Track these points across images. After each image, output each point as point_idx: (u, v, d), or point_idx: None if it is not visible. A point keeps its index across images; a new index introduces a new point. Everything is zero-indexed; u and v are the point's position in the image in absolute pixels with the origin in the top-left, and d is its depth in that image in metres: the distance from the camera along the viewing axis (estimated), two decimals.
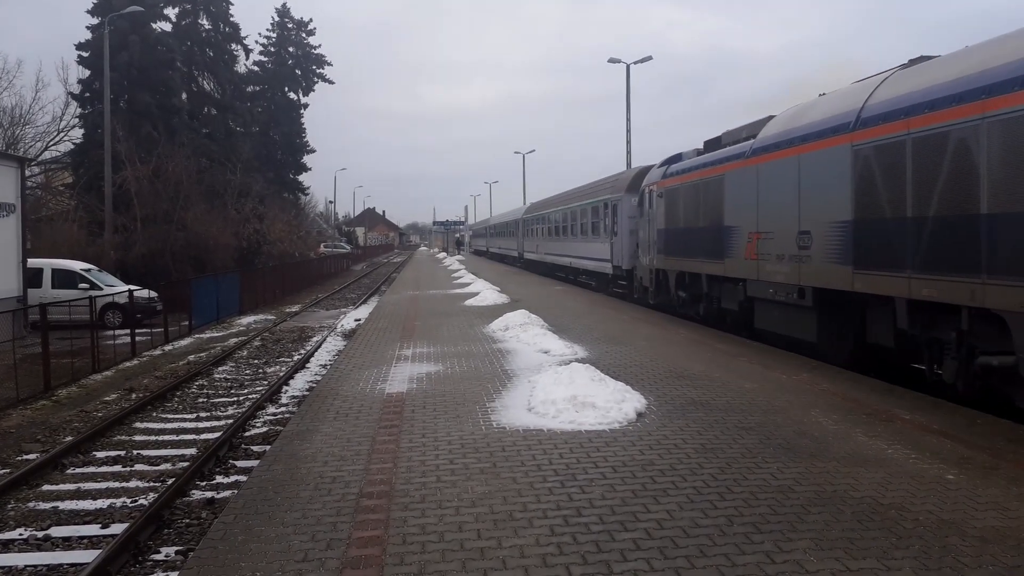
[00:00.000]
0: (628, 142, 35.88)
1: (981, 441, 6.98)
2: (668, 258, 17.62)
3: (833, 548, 4.69)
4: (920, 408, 8.29)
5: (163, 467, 9.31)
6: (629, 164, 34.42)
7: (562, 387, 8.45)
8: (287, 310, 29.19)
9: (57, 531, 7.26)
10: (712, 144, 15.84)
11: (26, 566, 6.50)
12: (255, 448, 9.90)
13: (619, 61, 36.08)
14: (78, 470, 9.23)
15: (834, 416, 7.91)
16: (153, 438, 10.68)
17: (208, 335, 22.05)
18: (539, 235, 39.96)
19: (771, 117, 13.35)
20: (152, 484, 8.64)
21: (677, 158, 18.03)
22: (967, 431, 7.34)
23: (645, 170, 21.57)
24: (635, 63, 36.09)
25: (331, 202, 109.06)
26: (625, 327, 15.63)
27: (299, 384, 13.87)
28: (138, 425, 11.34)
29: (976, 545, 4.72)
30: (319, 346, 18.37)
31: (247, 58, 54.74)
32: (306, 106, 67.60)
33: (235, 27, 49.08)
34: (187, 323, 22.37)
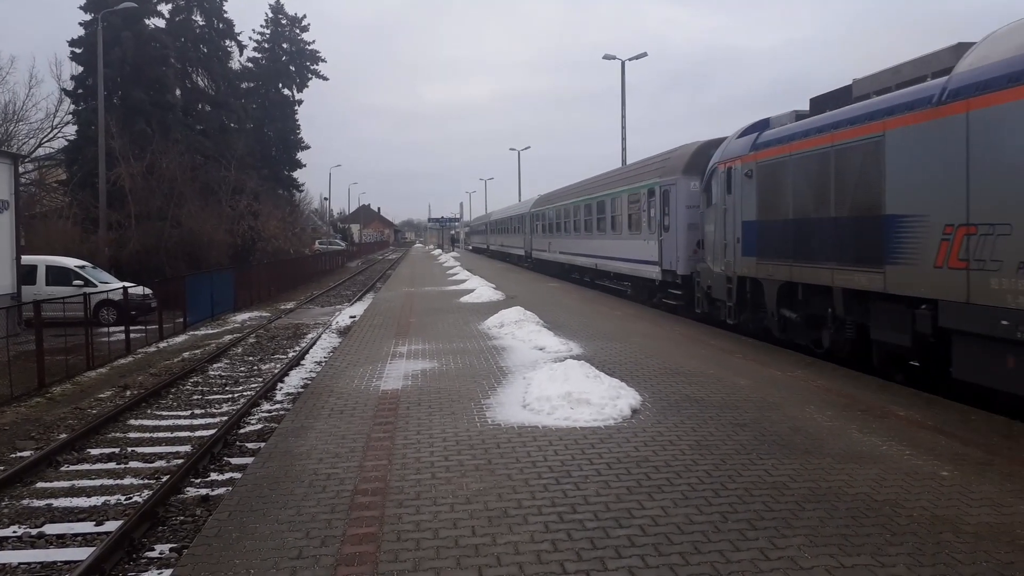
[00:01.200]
0: (623, 139, 35.89)
1: (975, 437, 7.00)
2: (763, 263, 12.74)
3: (827, 545, 4.70)
4: (915, 405, 8.31)
5: (158, 464, 9.29)
6: (624, 161, 34.40)
7: (557, 384, 8.45)
8: (282, 307, 29.14)
9: (51, 528, 7.24)
10: (827, 101, 11.67)
11: (20, 564, 6.48)
12: (250, 445, 9.89)
13: (614, 58, 36.04)
14: (72, 467, 9.20)
15: (829, 412, 7.92)
16: (148, 435, 10.65)
17: (203, 332, 22.00)
18: (553, 231, 33.75)
19: (970, 44, 8.57)
20: (147, 481, 8.62)
21: (765, 124, 13.70)
22: (962, 427, 7.36)
23: (713, 144, 16.44)
24: (630, 60, 36.08)
25: (326, 199, 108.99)
26: (620, 324, 15.63)
27: (294, 381, 13.85)
28: (132, 422, 11.31)
29: (970, 541, 4.73)
30: (314, 343, 18.34)
31: (241, 54, 54.76)
32: (300, 102, 67.55)
33: (229, 23, 48.98)
34: (182, 320, 22.31)
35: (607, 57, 36.09)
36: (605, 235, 24.16)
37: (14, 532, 7.15)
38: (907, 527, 4.95)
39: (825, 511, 5.23)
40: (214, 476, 8.74)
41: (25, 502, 7.96)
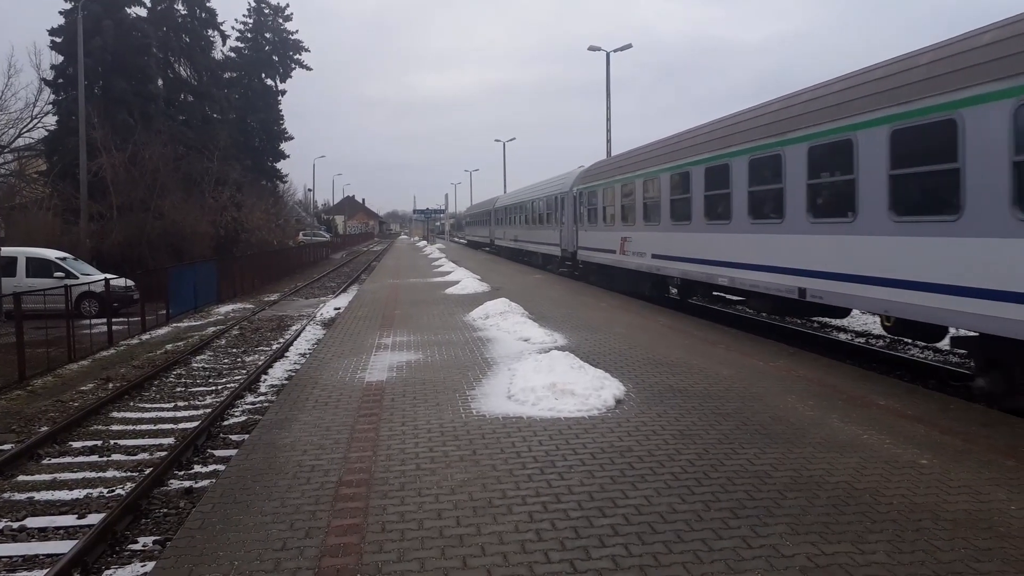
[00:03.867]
0: (608, 130, 35.86)
1: (954, 426, 7.09)
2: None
3: (809, 532, 4.74)
4: (895, 394, 8.40)
5: (141, 457, 9.24)
6: (609, 153, 34.43)
7: (542, 375, 8.47)
8: (266, 299, 29.00)
9: (33, 522, 7.19)
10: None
11: (1, 557, 6.43)
12: (233, 437, 9.86)
13: (599, 49, 35.99)
14: (54, 460, 9.14)
15: (810, 402, 7.99)
16: (130, 428, 10.59)
17: (186, 324, 21.87)
18: (627, 218, 19.60)
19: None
20: (130, 474, 8.58)
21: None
22: (941, 416, 7.45)
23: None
24: (615, 51, 36.02)
25: (310, 190, 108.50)
26: (605, 315, 15.67)
27: (278, 373, 13.81)
28: (115, 415, 11.24)
29: (949, 528, 4.79)
30: (298, 335, 18.28)
31: (224, 44, 54.21)
32: (283, 92, 67.18)
33: (211, 13, 48.54)
34: (164, 312, 22.18)
35: (592, 48, 36.02)
36: (765, 224, 12.41)
37: None
38: (887, 515, 5.01)
39: (806, 499, 5.28)
40: (198, 468, 8.70)
41: (6, 496, 7.90)
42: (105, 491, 8.00)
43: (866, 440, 6.64)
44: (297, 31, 69.13)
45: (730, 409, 7.74)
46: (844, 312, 12.74)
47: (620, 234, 19.98)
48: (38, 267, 22.79)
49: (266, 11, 66.92)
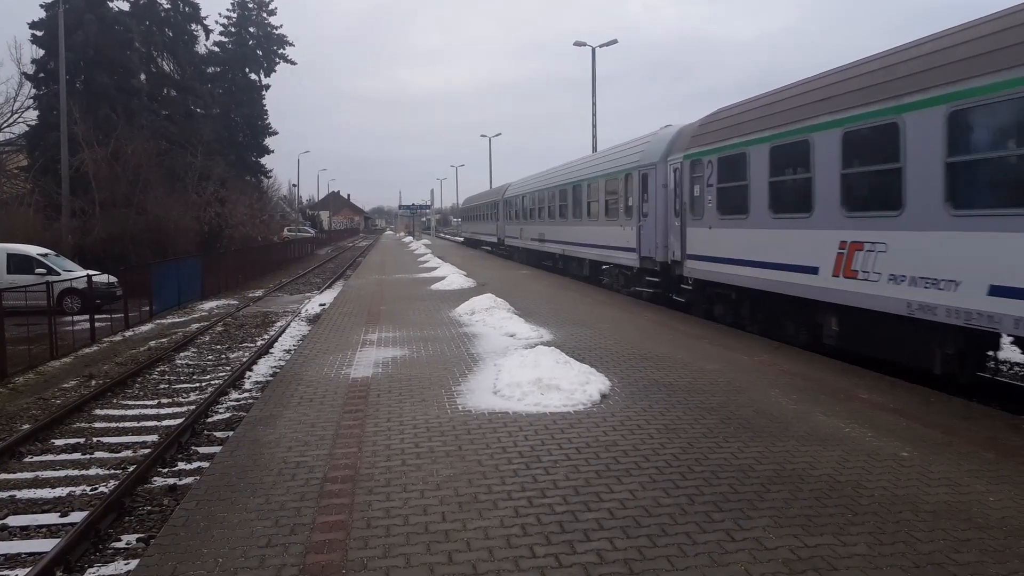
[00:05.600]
0: (594, 126, 35.91)
1: (935, 419, 7.16)
2: None
3: (792, 525, 4.78)
4: (877, 388, 8.47)
5: (124, 454, 9.19)
6: (595, 148, 34.46)
7: (528, 370, 8.49)
8: (250, 295, 28.87)
9: (14, 520, 7.15)
10: None
11: None
12: (218, 434, 9.82)
13: (584, 44, 36.00)
14: (36, 458, 9.07)
15: (794, 396, 8.05)
16: (113, 425, 10.53)
17: (170, 320, 21.74)
18: (799, 207, 10.98)
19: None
20: (113, 471, 8.53)
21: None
22: (922, 409, 7.52)
23: None
24: (600, 46, 36.05)
25: (295, 185, 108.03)
26: (590, 310, 15.71)
27: (263, 369, 13.75)
28: (98, 412, 11.17)
29: (928, 520, 4.84)
30: (283, 331, 18.21)
31: (207, 38, 53.77)
32: (267, 87, 66.71)
33: (195, 7, 48.13)
34: (148, 308, 22.04)
35: (578, 44, 36.03)
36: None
37: None
38: (868, 507, 5.06)
39: (789, 492, 5.33)
40: (182, 466, 8.67)
41: None
42: (88, 489, 7.95)
43: (848, 433, 6.70)
44: (281, 26, 68.97)
45: (715, 403, 7.78)
46: None
47: (842, 236, 10.03)
48: (19, 263, 22.57)
49: (250, 5, 66.44)
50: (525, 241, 33.49)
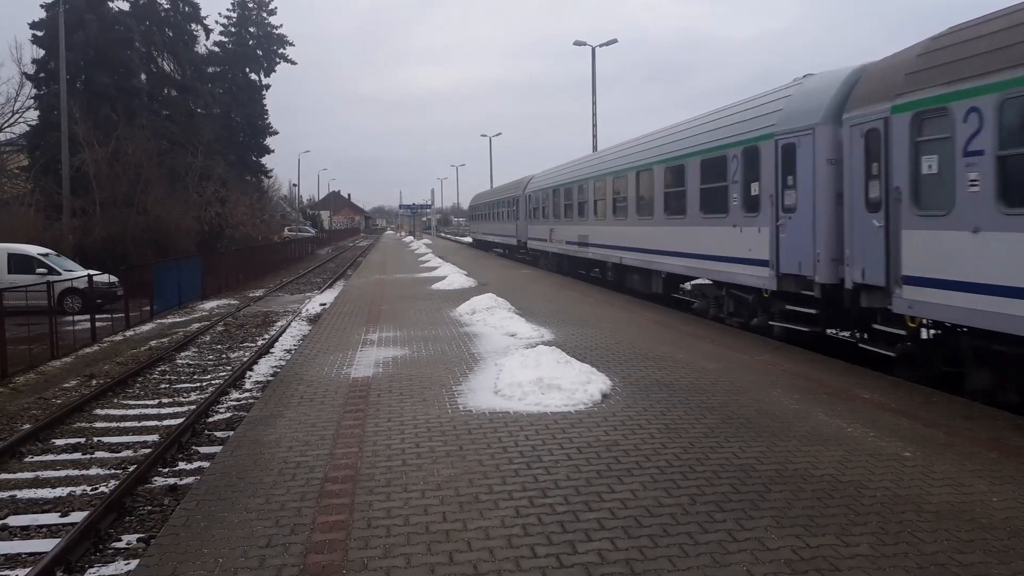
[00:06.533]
0: (594, 125, 35.91)
1: (937, 419, 7.14)
2: None
3: (794, 525, 4.77)
4: (879, 387, 8.45)
5: (124, 454, 9.18)
6: (595, 148, 34.44)
7: (528, 370, 8.47)
8: (251, 295, 28.86)
9: (15, 520, 7.13)
10: None
11: None
12: (218, 434, 9.80)
13: (584, 44, 36.00)
14: (36, 458, 9.06)
15: (795, 396, 8.03)
16: (114, 425, 10.51)
17: (170, 320, 21.73)
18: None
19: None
20: (113, 471, 8.51)
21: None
22: (924, 409, 7.50)
23: None
24: (600, 46, 36.05)
25: (295, 185, 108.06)
26: (591, 310, 15.69)
27: (263, 369, 13.74)
28: (99, 412, 11.15)
29: (931, 520, 4.83)
30: (284, 331, 18.19)
31: (207, 38, 53.72)
32: (268, 87, 66.63)
33: (195, 6, 48.08)
34: (148, 308, 22.02)
35: (578, 43, 36.03)
36: None
37: None
38: (871, 507, 5.04)
39: (791, 492, 5.31)
40: (182, 465, 8.65)
41: None
42: (88, 489, 7.94)
43: (850, 433, 6.68)
44: (282, 25, 68.82)
45: (716, 403, 7.77)
46: None
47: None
48: (20, 263, 22.54)
49: (250, 5, 66.37)
50: (557, 244, 27.23)
